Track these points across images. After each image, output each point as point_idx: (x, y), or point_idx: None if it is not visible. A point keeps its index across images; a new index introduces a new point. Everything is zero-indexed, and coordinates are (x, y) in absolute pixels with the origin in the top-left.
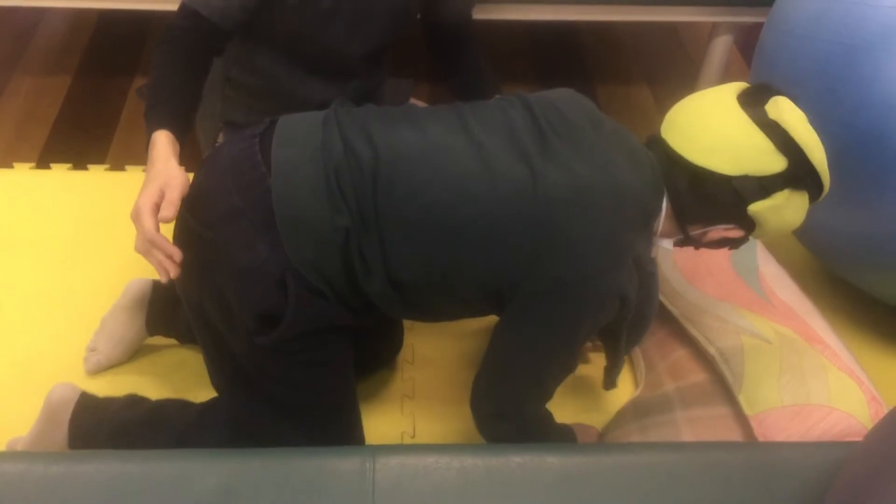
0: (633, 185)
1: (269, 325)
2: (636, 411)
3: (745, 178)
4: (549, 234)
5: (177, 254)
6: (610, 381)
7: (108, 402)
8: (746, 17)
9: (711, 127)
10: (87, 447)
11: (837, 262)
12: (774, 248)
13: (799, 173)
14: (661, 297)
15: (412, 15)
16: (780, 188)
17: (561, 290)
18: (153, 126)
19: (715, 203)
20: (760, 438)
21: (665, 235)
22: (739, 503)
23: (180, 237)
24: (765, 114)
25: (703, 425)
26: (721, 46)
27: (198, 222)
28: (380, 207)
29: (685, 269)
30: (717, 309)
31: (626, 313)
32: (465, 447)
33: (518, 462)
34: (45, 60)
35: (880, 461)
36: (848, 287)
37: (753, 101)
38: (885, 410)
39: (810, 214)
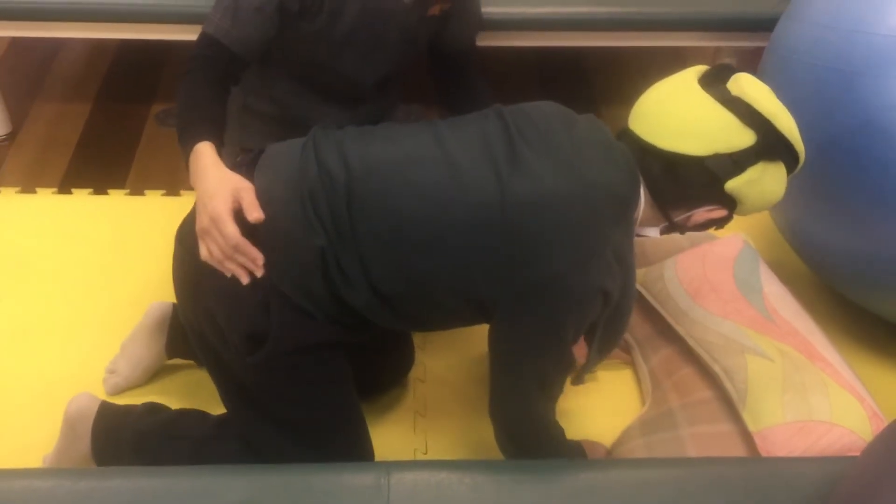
0: (607, 180)
1: (257, 345)
2: (643, 428)
3: (717, 157)
4: (520, 239)
5: (260, 257)
6: (577, 378)
7: (129, 409)
8: (748, 42)
9: (677, 111)
10: (109, 454)
11: (839, 280)
12: (778, 268)
13: (770, 144)
14: (667, 317)
15: (420, 43)
16: (754, 162)
17: (539, 291)
18: (192, 141)
19: (692, 185)
20: (764, 454)
21: (649, 224)
22: None
23: (176, 266)
24: (727, 91)
25: (707, 441)
26: None
27: (188, 252)
28: (355, 223)
29: (690, 287)
30: (721, 327)
31: (608, 308)
32: (477, 463)
33: (527, 478)
34: (66, 88)
35: (875, 476)
36: (849, 304)
37: (715, 81)
38: (885, 426)
39: (813, 234)
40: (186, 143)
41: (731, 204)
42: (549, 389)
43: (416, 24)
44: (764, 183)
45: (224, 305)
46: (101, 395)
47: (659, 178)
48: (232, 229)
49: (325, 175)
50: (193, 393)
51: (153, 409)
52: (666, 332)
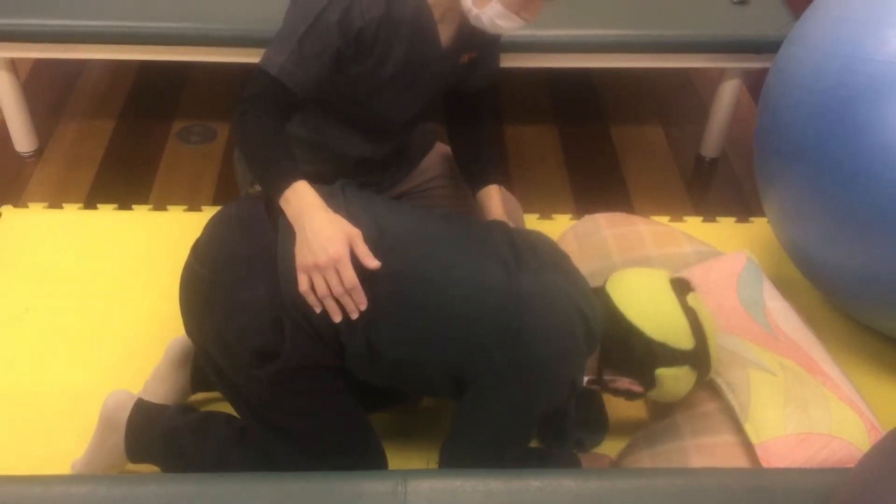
0: (589, 309)
1: (266, 360)
2: (648, 440)
3: (663, 346)
4: (521, 322)
5: (365, 303)
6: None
7: (162, 409)
8: (753, 64)
9: (650, 297)
10: (141, 447)
11: (840, 296)
12: (780, 283)
13: (698, 356)
14: None
15: (450, 85)
16: (683, 363)
17: (523, 369)
18: (287, 178)
19: (633, 357)
20: (765, 465)
21: (584, 372)
22: None
23: (187, 283)
24: (686, 301)
25: (711, 453)
26: (730, 90)
27: (204, 267)
28: (373, 276)
29: None
30: (725, 342)
31: (571, 396)
32: (489, 471)
33: (537, 485)
34: (90, 106)
35: (870, 485)
36: (849, 319)
37: (680, 289)
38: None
39: (815, 252)
40: (278, 179)
41: (650, 385)
42: (500, 459)
43: (448, 71)
44: (680, 381)
45: (236, 320)
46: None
47: (614, 340)
48: (353, 273)
49: (354, 225)
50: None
51: (185, 409)
52: None
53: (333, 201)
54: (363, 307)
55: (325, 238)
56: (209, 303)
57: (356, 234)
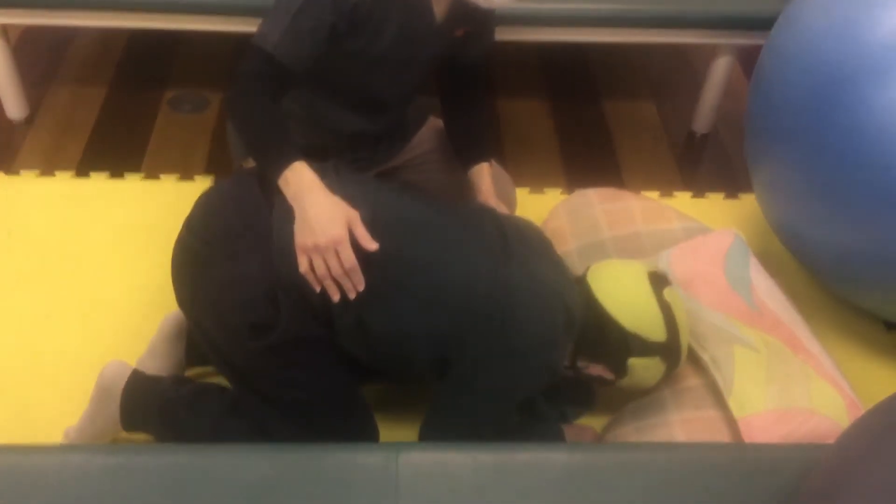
0: (570, 298)
1: (261, 333)
2: (633, 414)
3: (637, 337)
4: (507, 311)
5: (362, 283)
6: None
7: (157, 379)
8: (746, 40)
9: (627, 288)
10: (137, 417)
11: (826, 274)
12: (766, 259)
13: (669, 349)
14: None
15: (443, 60)
16: (654, 354)
17: (508, 357)
18: (286, 158)
19: (607, 346)
20: (747, 440)
21: None
22: (725, 498)
23: (180, 256)
24: (663, 296)
25: (695, 427)
26: (723, 66)
27: (198, 240)
28: (368, 256)
29: (682, 279)
30: (711, 318)
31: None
32: (479, 445)
33: (525, 458)
34: (81, 73)
35: (848, 460)
36: (833, 296)
37: (658, 283)
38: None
39: (802, 230)
40: (277, 159)
41: (622, 373)
42: (477, 436)
43: (442, 46)
44: (650, 370)
45: (230, 294)
46: None
47: (591, 328)
48: (352, 255)
49: (350, 205)
50: None
51: (180, 380)
52: None
53: (326, 180)
54: (361, 288)
55: (325, 219)
56: (203, 276)
57: (355, 216)
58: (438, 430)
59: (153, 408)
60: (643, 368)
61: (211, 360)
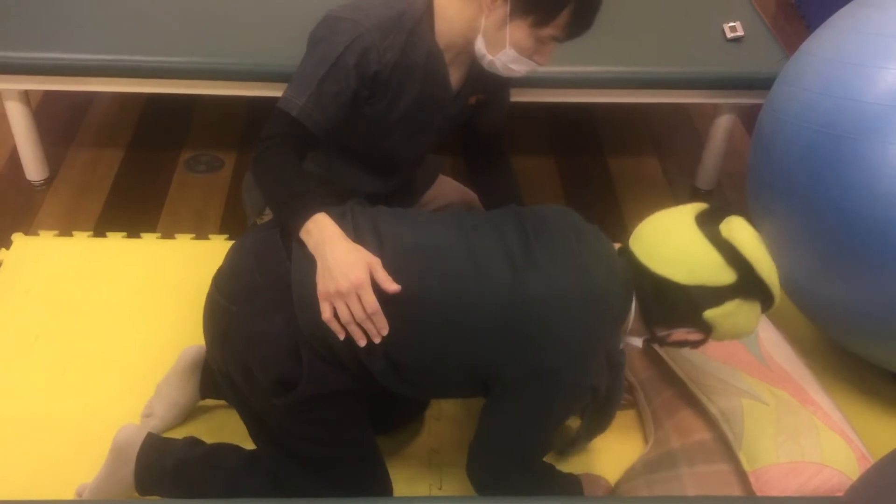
0: (607, 288)
1: (286, 388)
2: (645, 467)
3: (700, 288)
4: (526, 329)
5: (386, 328)
6: (562, 451)
7: (171, 441)
8: (747, 100)
9: (670, 242)
10: (151, 480)
11: (831, 328)
12: (774, 314)
13: (748, 285)
14: (668, 360)
15: (457, 127)
16: (731, 298)
17: (535, 379)
18: (307, 211)
19: (675, 308)
20: (758, 493)
21: (635, 334)
22: None
23: (209, 311)
24: (718, 233)
25: (706, 481)
26: (724, 124)
27: (224, 298)
28: (381, 297)
29: None
30: (719, 372)
31: (592, 401)
32: (489, 500)
33: None
34: (99, 135)
35: None
36: (840, 349)
37: (709, 221)
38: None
39: (806, 286)
40: (299, 211)
41: (707, 329)
42: (523, 464)
43: (457, 112)
44: (738, 316)
45: (256, 351)
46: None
47: (649, 296)
48: (374, 298)
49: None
50: (226, 431)
51: (193, 442)
52: (667, 374)
53: (342, 222)
54: (385, 332)
55: (346, 265)
56: (230, 333)
57: (376, 261)
58: (482, 453)
59: (168, 471)
60: (727, 316)
61: (237, 410)
